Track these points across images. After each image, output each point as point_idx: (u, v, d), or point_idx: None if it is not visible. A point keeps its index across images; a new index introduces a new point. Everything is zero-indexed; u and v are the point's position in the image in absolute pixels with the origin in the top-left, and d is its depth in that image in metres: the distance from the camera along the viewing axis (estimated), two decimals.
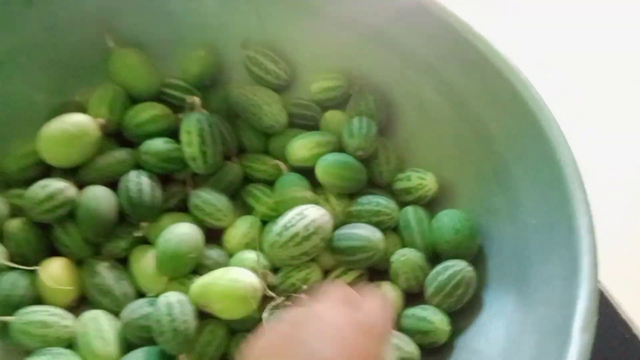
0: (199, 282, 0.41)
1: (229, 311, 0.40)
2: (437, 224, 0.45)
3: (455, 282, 0.41)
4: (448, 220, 0.44)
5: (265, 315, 0.40)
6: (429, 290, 0.42)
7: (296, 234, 0.42)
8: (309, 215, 0.43)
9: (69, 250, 0.44)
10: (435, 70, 0.47)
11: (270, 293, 0.41)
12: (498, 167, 0.44)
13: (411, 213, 0.47)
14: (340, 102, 0.53)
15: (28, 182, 0.45)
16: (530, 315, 0.37)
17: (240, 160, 0.51)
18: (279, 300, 0.41)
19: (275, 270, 0.45)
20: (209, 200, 0.46)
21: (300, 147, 0.49)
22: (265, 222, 0.48)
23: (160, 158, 0.46)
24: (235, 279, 0.40)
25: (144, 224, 0.44)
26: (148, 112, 0.48)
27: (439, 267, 0.42)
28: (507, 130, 0.43)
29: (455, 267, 0.41)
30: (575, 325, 0.32)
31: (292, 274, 0.44)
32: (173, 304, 0.38)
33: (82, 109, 0.49)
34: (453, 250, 0.43)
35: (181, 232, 0.43)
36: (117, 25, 0.50)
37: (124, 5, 0.50)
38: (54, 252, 0.44)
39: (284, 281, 0.44)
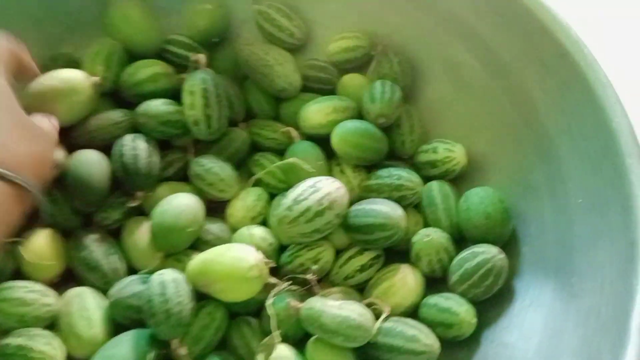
0: (198, 259, 0.36)
1: (231, 292, 0.36)
2: (466, 204, 0.40)
3: (484, 271, 0.36)
4: (478, 201, 0.39)
5: (269, 301, 0.36)
6: (453, 277, 0.38)
7: (308, 209, 0.37)
8: (322, 188, 0.38)
9: (55, 220, 0.39)
10: (471, 28, 0.42)
11: (273, 279, 0.37)
12: (539, 138, 0.39)
13: (436, 189, 0.42)
14: (359, 65, 0.48)
15: None
16: (574, 307, 0.32)
17: (248, 126, 0.46)
18: (284, 285, 0.37)
19: (282, 248, 0.41)
20: (212, 168, 0.42)
21: (316, 112, 0.44)
22: (273, 195, 0.44)
23: (159, 121, 0.42)
24: (239, 257, 0.35)
25: (139, 194, 0.40)
26: (148, 70, 0.43)
27: (466, 253, 0.38)
28: (552, 96, 0.38)
29: (485, 255, 0.36)
30: (634, 322, 0.27)
31: (301, 252, 0.39)
32: (167, 283, 0.34)
33: (75, 63, 0.44)
34: (482, 236, 0.38)
35: (180, 203, 0.38)
36: None
37: None
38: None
39: (292, 260, 0.39)
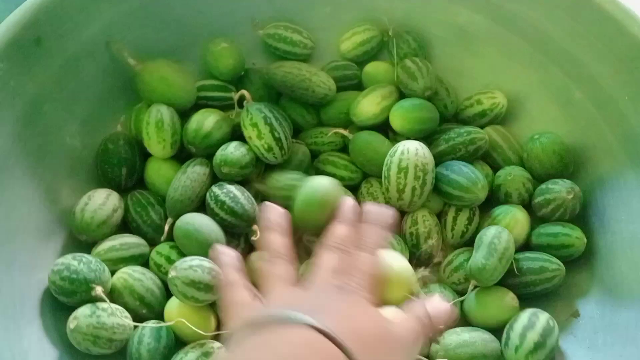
0: None
1: None
2: (533, 146, 0.45)
3: (560, 214, 0.42)
4: (543, 143, 0.45)
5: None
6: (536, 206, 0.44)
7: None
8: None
9: None
10: None
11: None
12: (571, 66, 0.45)
13: (494, 133, 0.47)
14: (375, 53, 0.52)
15: (107, 236, 0.42)
16: None
17: (302, 140, 0.49)
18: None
19: None
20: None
21: (368, 104, 0.47)
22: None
23: (240, 166, 0.43)
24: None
25: (255, 227, 0.42)
26: (210, 120, 0.44)
27: (539, 198, 0.43)
28: (563, 25, 0.44)
29: (557, 202, 0.42)
30: None
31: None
32: None
33: (130, 139, 0.45)
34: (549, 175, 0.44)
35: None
36: (126, 43, 0.46)
37: (127, 22, 0.46)
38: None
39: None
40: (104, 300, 0.36)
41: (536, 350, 0.36)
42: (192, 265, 0.37)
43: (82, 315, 0.36)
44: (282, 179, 0.44)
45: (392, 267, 0.35)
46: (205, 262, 0.38)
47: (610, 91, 0.43)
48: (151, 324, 0.37)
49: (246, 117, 0.44)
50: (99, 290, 0.36)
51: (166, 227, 0.42)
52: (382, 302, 0.34)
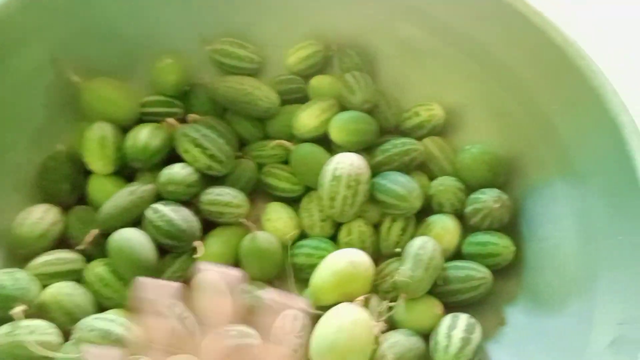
0: None
1: None
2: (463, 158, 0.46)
3: (488, 222, 0.43)
4: (473, 154, 0.45)
5: None
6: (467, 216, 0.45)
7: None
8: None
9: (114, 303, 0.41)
10: (410, 5, 0.48)
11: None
12: (505, 78, 0.45)
13: (430, 144, 0.48)
14: (321, 67, 0.53)
15: (45, 249, 0.42)
16: (585, 188, 0.39)
17: (247, 153, 0.50)
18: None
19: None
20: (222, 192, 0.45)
21: (308, 117, 0.48)
22: (287, 199, 0.48)
23: (187, 184, 0.44)
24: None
25: (198, 243, 0.42)
26: (144, 131, 0.45)
27: (469, 208, 0.44)
28: (499, 39, 0.45)
29: (484, 211, 0.42)
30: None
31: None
32: None
33: (72, 156, 0.46)
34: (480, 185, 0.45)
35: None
36: (73, 61, 0.47)
37: (74, 40, 0.46)
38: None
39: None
40: (20, 320, 0.37)
41: (464, 347, 0.37)
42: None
43: (1, 334, 0.36)
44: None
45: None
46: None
47: (540, 102, 0.43)
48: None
49: (178, 146, 0.45)
50: (18, 309, 0.37)
51: (89, 238, 0.42)
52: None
